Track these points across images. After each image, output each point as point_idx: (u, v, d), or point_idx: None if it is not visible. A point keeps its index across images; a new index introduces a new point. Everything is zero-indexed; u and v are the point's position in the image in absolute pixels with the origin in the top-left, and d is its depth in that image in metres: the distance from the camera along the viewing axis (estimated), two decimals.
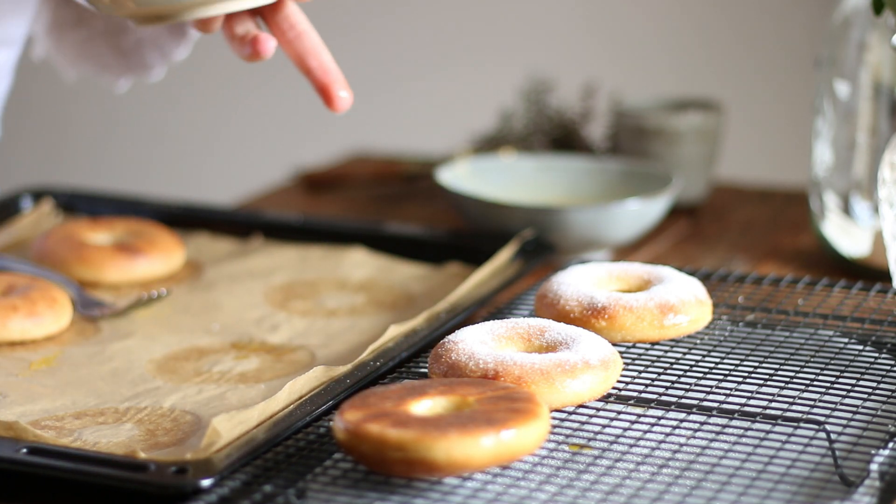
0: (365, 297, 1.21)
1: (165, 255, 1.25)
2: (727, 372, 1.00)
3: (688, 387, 0.97)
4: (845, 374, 0.99)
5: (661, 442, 0.89)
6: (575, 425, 0.92)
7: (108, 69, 1.33)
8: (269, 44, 1.04)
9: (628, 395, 0.95)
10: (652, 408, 0.94)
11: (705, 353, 1.03)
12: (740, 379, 0.99)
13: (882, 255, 1.27)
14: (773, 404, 0.94)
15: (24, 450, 0.88)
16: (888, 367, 1.01)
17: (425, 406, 0.88)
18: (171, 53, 1.32)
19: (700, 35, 2.53)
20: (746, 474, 0.85)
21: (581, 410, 0.93)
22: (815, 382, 0.98)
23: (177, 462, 0.87)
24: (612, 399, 0.95)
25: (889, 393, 0.96)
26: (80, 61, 1.33)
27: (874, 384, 0.98)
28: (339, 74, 1.06)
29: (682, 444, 0.89)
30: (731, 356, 1.03)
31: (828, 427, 0.89)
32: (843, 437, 0.90)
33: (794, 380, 0.98)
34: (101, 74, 1.34)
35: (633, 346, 1.03)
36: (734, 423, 0.92)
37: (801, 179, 1.68)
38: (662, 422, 0.92)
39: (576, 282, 1.07)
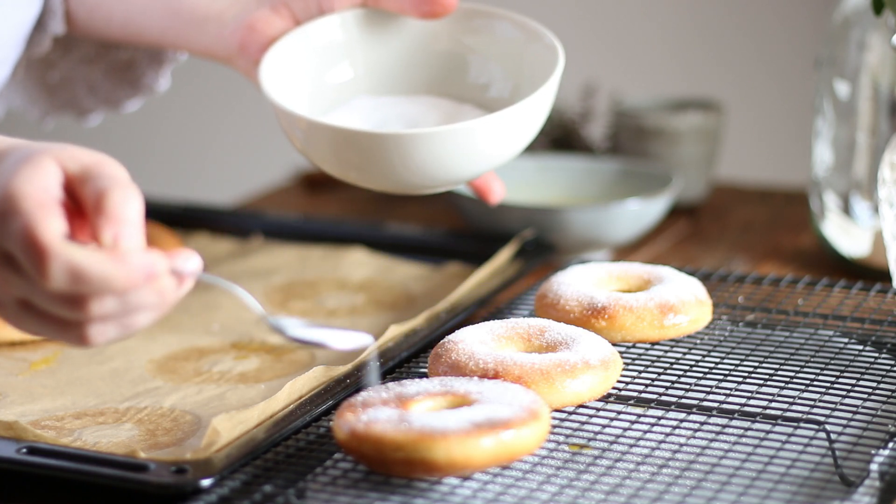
0: (365, 297, 1.21)
1: None
2: (727, 372, 1.00)
3: (688, 387, 0.97)
4: (845, 374, 0.99)
5: (661, 442, 0.89)
6: (575, 425, 0.91)
7: (34, 103, 1.23)
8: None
9: (628, 395, 0.95)
10: (652, 408, 0.94)
11: (705, 353, 1.03)
12: (740, 379, 0.98)
13: (882, 255, 1.27)
14: (773, 404, 0.94)
15: (24, 450, 0.88)
16: (888, 367, 1.01)
17: (425, 406, 0.88)
18: (117, 103, 1.23)
19: (700, 35, 2.53)
20: (746, 474, 0.85)
21: (581, 410, 0.93)
22: (815, 382, 0.98)
23: (177, 462, 0.87)
24: (612, 399, 0.95)
25: (889, 393, 0.96)
26: (7, 90, 1.22)
27: (874, 384, 0.98)
28: None
29: (682, 444, 0.89)
30: (731, 356, 1.03)
31: (828, 427, 0.89)
32: (843, 437, 0.90)
33: (794, 380, 0.98)
34: (27, 108, 1.24)
35: (633, 346, 1.03)
36: (734, 423, 0.92)
37: (801, 179, 1.68)
38: (662, 422, 0.92)
39: (576, 282, 1.07)
